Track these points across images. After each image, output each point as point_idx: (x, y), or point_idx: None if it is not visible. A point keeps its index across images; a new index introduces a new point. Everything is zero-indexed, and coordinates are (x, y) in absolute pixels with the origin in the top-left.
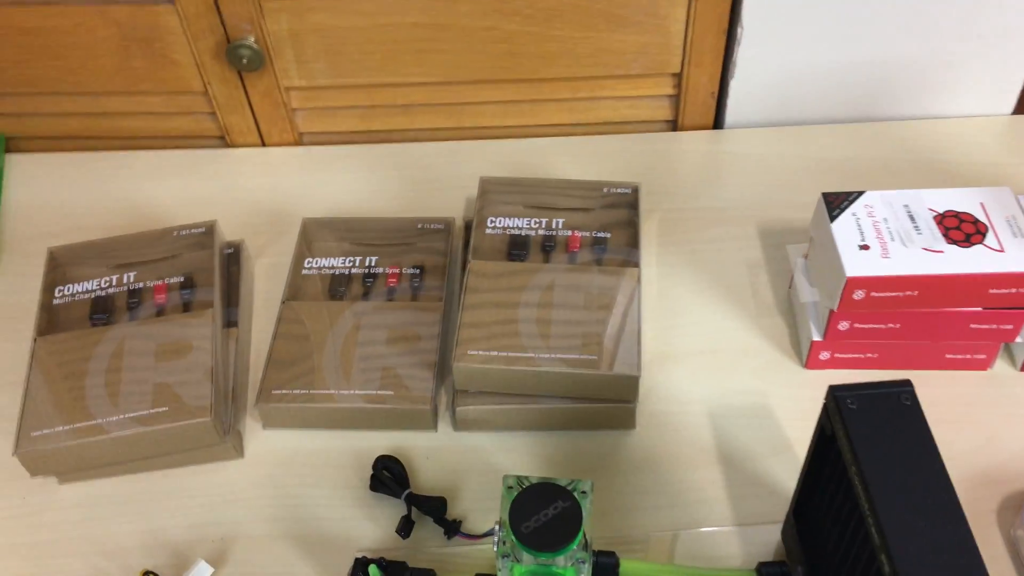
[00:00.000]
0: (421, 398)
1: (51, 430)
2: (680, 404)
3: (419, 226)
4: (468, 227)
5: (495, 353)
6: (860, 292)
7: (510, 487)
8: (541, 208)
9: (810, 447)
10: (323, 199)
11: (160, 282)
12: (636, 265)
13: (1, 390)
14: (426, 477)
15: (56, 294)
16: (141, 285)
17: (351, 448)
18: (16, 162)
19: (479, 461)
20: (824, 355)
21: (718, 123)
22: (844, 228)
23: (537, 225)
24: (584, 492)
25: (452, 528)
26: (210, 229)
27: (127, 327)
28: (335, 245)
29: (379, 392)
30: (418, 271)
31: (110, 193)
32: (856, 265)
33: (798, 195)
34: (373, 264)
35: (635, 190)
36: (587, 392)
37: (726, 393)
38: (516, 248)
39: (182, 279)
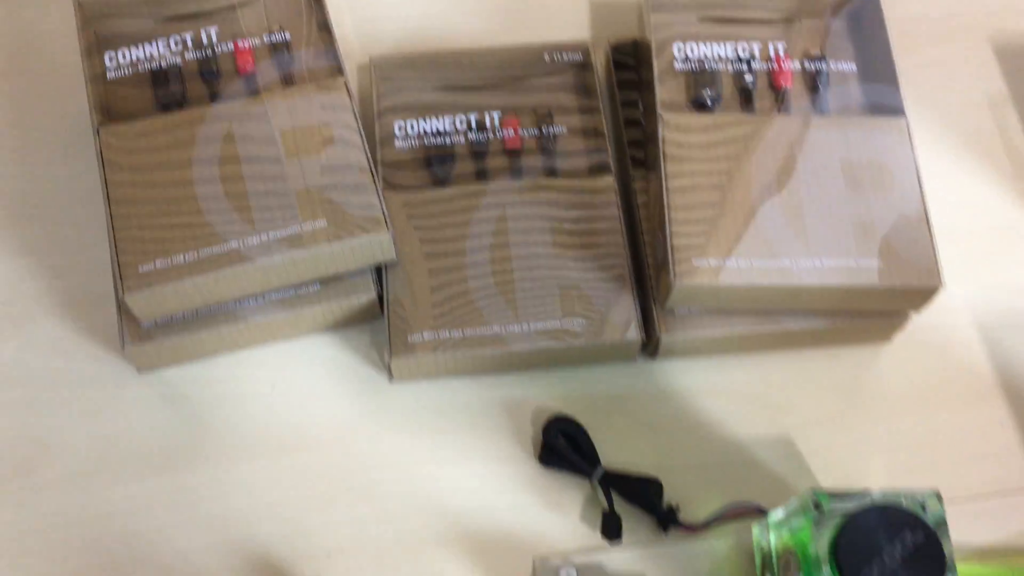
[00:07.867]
0: (623, 326)
1: (166, 261)
2: (937, 312)
3: (547, 57)
4: (618, 59)
5: (734, 262)
6: None
7: (817, 508)
8: (722, 21)
9: None
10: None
11: (242, 41)
12: (900, 113)
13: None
14: (608, 438)
15: (108, 61)
16: (217, 44)
17: (498, 399)
18: None
19: (681, 408)
20: None
21: None
22: None
23: (736, 54)
24: (936, 514)
25: (668, 518)
26: None
27: (217, 108)
28: (424, 96)
29: (563, 326)
30: (551, 130)
31: None
32: None
33: None
34: (476, 123)
35: None
36: (861, 306)
37: (997, 293)
38: (709, 89)
39: (270, 34)
